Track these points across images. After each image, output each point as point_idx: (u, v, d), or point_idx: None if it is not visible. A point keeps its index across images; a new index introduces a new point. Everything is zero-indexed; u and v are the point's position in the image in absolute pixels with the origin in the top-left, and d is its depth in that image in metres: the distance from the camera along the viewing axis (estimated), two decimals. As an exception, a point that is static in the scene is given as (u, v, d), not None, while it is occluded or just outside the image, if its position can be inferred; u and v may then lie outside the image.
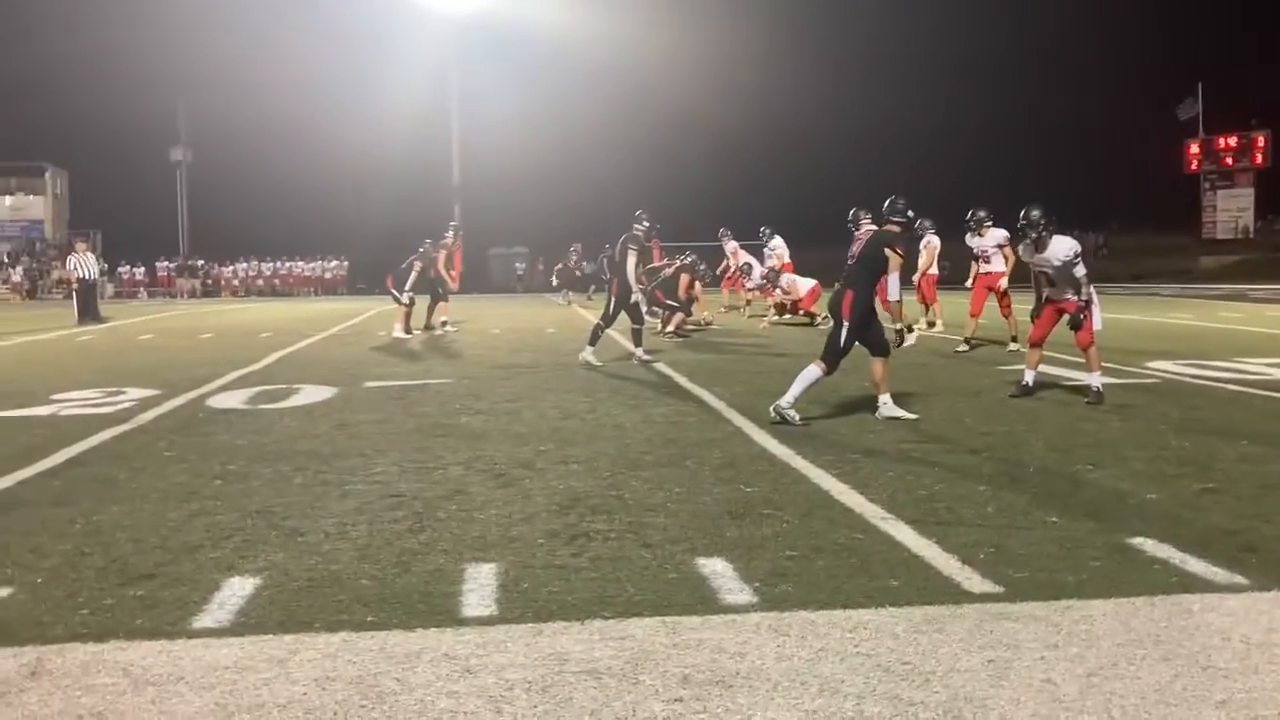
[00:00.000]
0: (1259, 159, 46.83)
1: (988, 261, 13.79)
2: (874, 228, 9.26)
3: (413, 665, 3.33)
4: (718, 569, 4.29)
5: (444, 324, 18.17)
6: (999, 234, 13.51)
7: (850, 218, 12.31)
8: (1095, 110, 55.74)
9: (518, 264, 47.08)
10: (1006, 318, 13.61)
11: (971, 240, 13.94)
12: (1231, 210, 47.96)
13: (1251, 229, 47.86)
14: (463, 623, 3.71)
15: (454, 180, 45.28)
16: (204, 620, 3.77)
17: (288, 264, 48.50)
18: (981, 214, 13.74)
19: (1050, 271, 8.92)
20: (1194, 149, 48.36)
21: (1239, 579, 4.07)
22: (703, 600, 3.92)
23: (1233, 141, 47.32)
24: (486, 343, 15.91)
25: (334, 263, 48.49)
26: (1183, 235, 49.05)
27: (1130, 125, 51.95)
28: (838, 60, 58.39)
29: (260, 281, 47.85)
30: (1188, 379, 10.11)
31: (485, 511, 5.28)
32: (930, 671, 3.22)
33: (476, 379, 11.05)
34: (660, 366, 11.86)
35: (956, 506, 5.28)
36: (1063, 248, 8.75)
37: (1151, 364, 11.35)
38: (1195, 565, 4.25)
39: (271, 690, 3.16)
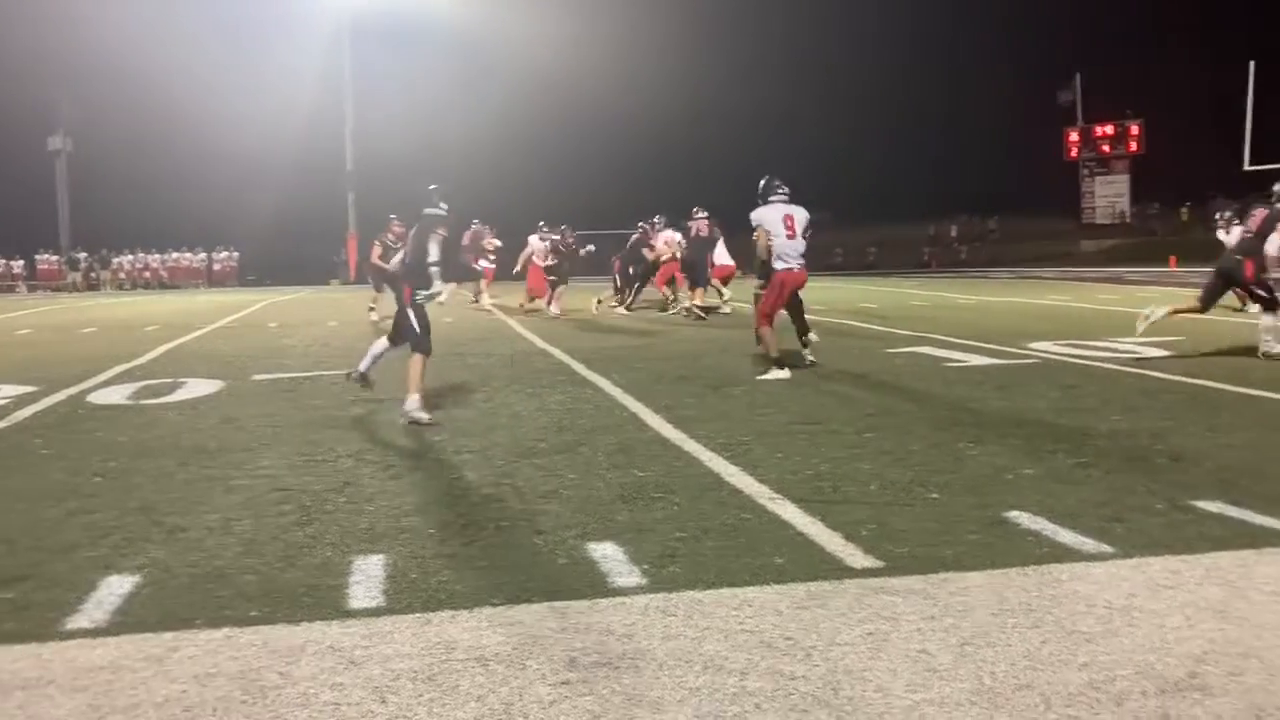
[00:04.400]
0: (1133, 146, 48.72)
1: None
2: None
3: (296, 659, 3.29)
4: (608, 553, 4.32)
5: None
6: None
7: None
8: (985, 99, 57.20)
9: None
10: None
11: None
12: (1109, 196, 49.84)
13: (1128, 214, 49.80)
14: (349, 615, 3.67)
15: (347, 167, 44.50)
16: (78, 621, 3.66)
17: (174, 255, 47.08)
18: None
19: None
20: (1073, 137, 50.08)
21: (1105, 548, 4.25)
22: (592, 584, 3.94)
23: (1109, 130, 49.12)
24: (381, 334, 15.67)
25: (223, 254, 47.26)
26: (1065, 220, 50.79)
27: (1018, 113, 53.46)
28: (738, 47, 58.87)
29: (146, 274, 46.36)
30: (1066, 358, 10.48)
31: (375, 503, 5.23)
32: (812, 646, 3.30)
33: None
34: (558, 354, 11.86)
35: (842, 485, 5.41)
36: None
37: (1033, 344, 11.74)
38: (1066, 536, 4.42)
39: (148, 689, 3.09)
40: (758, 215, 9.39)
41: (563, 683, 3.07)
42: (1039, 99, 52.09)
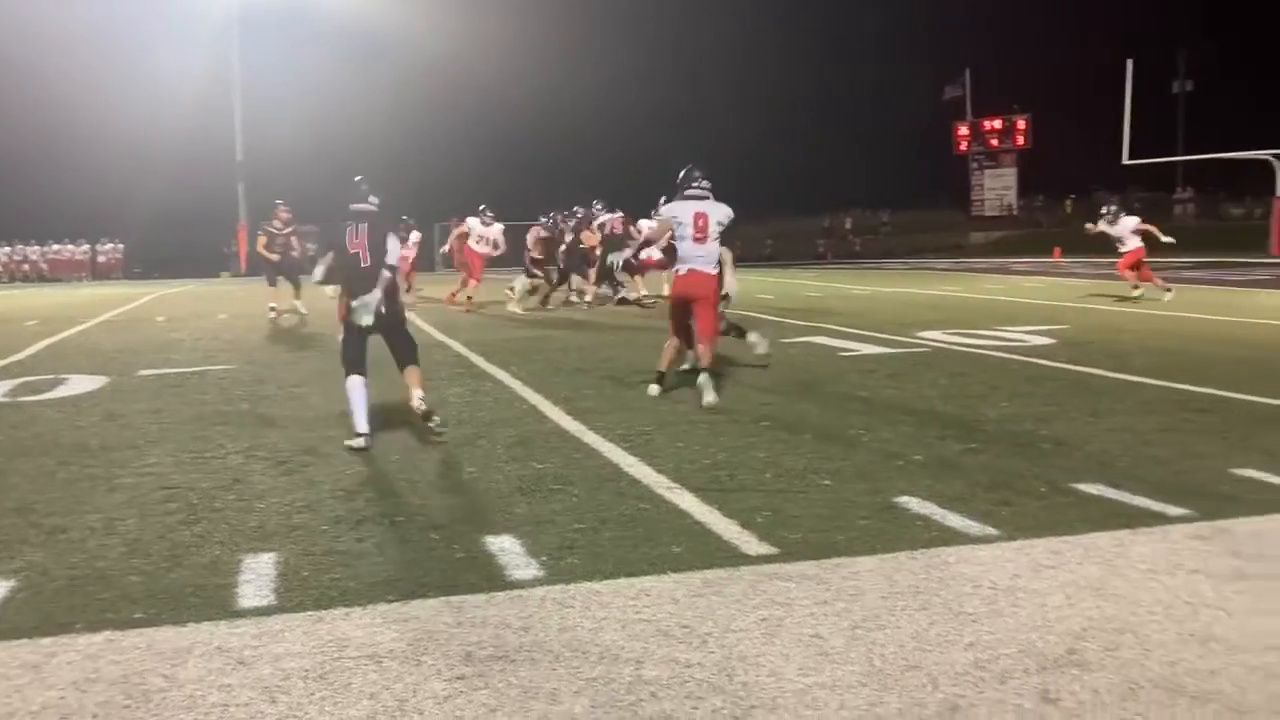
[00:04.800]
0: (1020, 141, 50.21)
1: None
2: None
3: (182, 661, 3.20)
4: (506, 546, 4.30)
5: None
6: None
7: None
8: (878, 94, 58.40)
9: (310, 245, 45.53)
10: None
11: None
12: (997, 189, 51.28)
13: (1015, 206, 51.32)
14: (238, 615, 3.59)
15: (237, 157, 43.32)
16: (-51, 629, 3.50)
17: (55, 247, 45.25)
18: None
19: None
20: (963, 130, 51.36)
21: (991, 530, 4.38)
22: (489, 578, 3.92)
23: (997, 124, 50.51)
24: (273, 327, 15.31)
25: (108, 245, 45.57)
26: (955, 212, 52.14)
27: (909, 108, 54.70)
28: (637, 42, 58.98)
29: (25, 266, 44.46)
30: (955, 347, 10.76)
31: (266, 500, 5.11)
32: (707, 633, 3.33)
33: (263, 364, 10.65)
34: (456, 346, 11.74)
35: (738, 474, 5.47)
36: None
37: (923, 334, 12.02)
38: (954, 520, 4.54)
39: (24, 697, 2.97)
40: (669, 210, 8.15)
41: (458, 677, 3.05)
42: (930, 94, 53.34)
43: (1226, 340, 10.89)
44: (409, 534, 4.52)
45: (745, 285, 21.08)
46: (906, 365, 9.54)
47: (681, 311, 8.01)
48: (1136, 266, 16.21)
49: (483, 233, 18.00)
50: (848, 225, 52.77)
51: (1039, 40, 58.41)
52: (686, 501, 4.94)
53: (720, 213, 7.89)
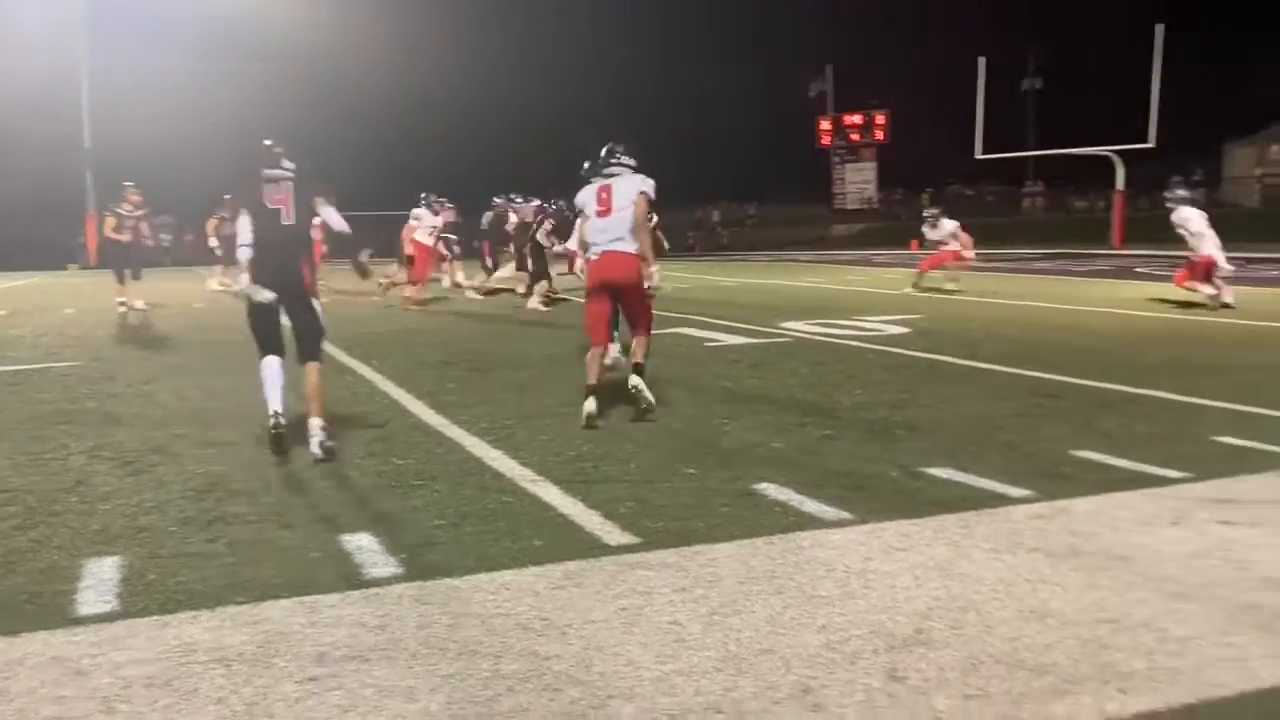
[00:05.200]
0: (880, 135, 51.63)
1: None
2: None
3: (14, 672, 3.04)
4: (363, 544, 4.21)
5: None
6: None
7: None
8: (742, 90, 59.28)
9: (164, 235, 43.72)
10: None
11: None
12: (858, 183, 52.65)
13: (875, 199, 52.77)
14: (77, 622, 3.43)
15: (85, 144, 41.34)
16: None
17: (-118, 238, 42.43)
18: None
19: None
20: (825, 125, 52.53)
21: (845, 515, 4.49)
22: (345, 577, 3.84)
23: (857, 119, 51.83)
24: (122, 322, 14.68)
25: (-59, 236, 42.96)
26: (819, 205, 53.35)
27: (774, 104, 55.71)
28: (502, 37, 58.56)
29: None
30: (816, 337, 11.00)
31: (110, 502, 4.90)
32: (567, 625, 3.33)
33: (111, 360, 10.21)
34: (316, 341, 11.45)
35: (602, 465, 5.48)
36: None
37: (786, 324, 12.25)
38: (810, 505, 4.64)
39: None
40: (578, 197, 7.15)
41: (310, 679, 2.98)
42: (796, 90, 54.45)
43: (1070, 328, 11.42)
44: (262, 534, 4.39)
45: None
46: (769, 355, 9.71)
47: (600, 303, 6.89)
48: (941, 263, 17.00)
49: (433, 222, 17.06)
50: (715, 218, 53.48)
51: (898, 38, 60.19)
52: (550, 494, 4.93)
53: (629, 184, 6.80)
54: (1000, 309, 13.93)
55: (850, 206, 52.51)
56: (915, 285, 16.96)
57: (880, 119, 51.30)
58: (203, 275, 25.98)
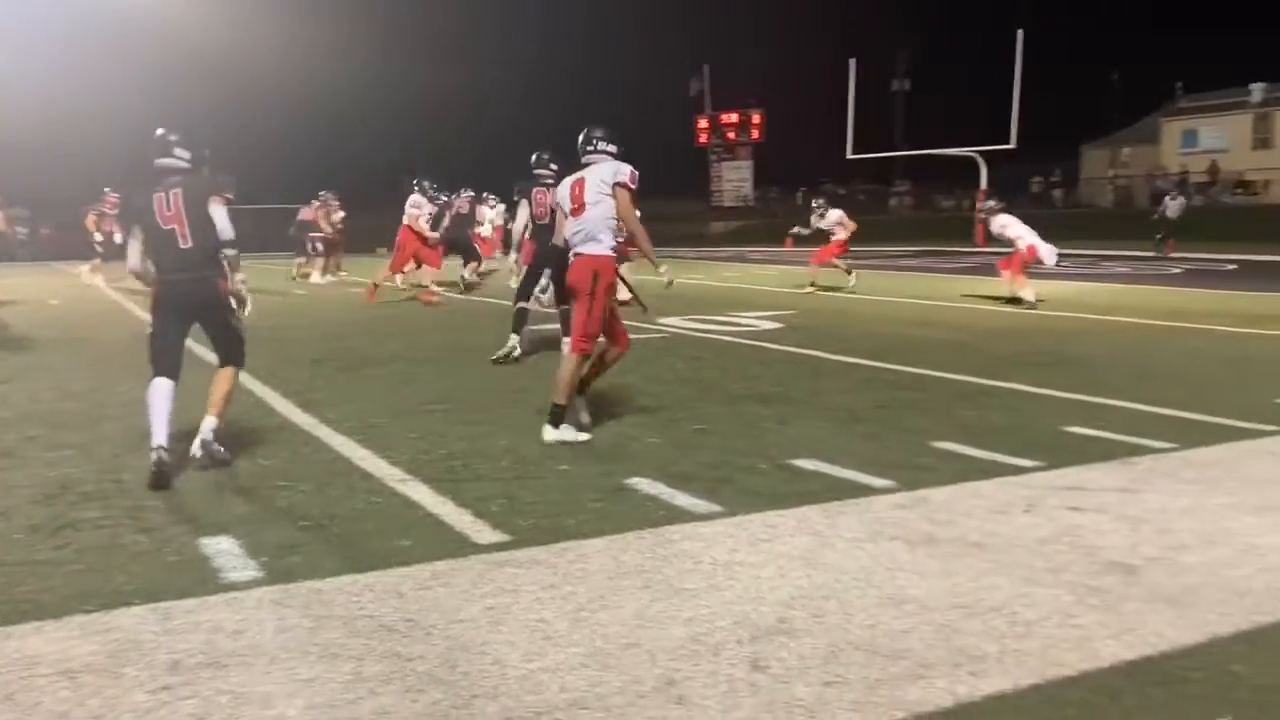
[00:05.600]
0: (756, 134, 52.38)
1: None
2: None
3: None
4: (223, 547, 4.09)
5: None
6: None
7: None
8: (623, 88, 59.55)
9: (19, 228, 41.61)
10: None
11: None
12: (735, 180, 53.33)
13: (751, 197, 53.54)
14: (-91, 637, 3.24)
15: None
16: None
17: None
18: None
19: None
20: (702, 124, 53.08)
21: (715, 507, 4.55)
22: (202, 581, 3.72)
23: (734, 118, 52.50)
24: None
25: None
26: (697, 202, 53.85)
27: (654, 101, 56.11)
28: (381, 31, 57.54)
29: None
30: (693, 333, 11.11)
31: (-51, 509, 4.65)
32: (432, 625, 3.30)
33: (-47, 360, 9.68)
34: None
35: (474, 463, 5.44)
36: None
37: (664, 320, 12.31)
38: (681, 499, 4.69)
39: None
40: (557, 193, 6.54)
41: (163, 688, 2.88)
42: (675, 88, 54.94)
43: (933, 323, 11.78)
44: (116, 539, 4.23)
45: (501, 272, 21.05)
46: (647, 351, 9.75)
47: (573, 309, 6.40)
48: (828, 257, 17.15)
49: (432, 209, 16.41)
50: (594, 214, 53.51)
51: (773, 39, 61.25)
52: (419, 493, 4.86)
53: (604, 170, 6.18)
54: (869, 305, 14.29)
55: (727, 204, 53.14)
56: (813, 284, 16.90)
57: (756, 118, 52.05)
58: (71, 271, 24.86)
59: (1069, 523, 4.28)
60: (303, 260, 21.41)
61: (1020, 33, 31.79)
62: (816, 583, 3.64)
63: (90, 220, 20.83)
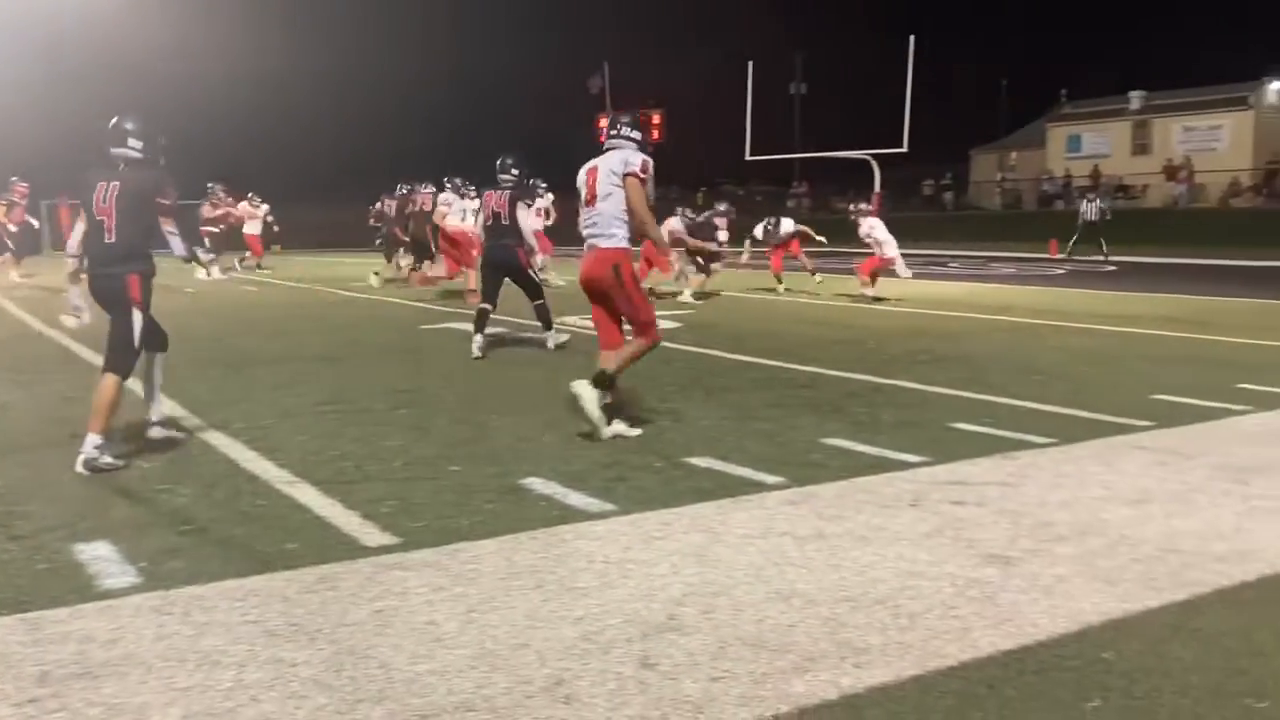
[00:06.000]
0: (656, 134, 52.53)
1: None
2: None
3: None
4: (100, 553, 3.95)
5: None
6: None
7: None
8: (528, 85, 59.34)
9: None
10: None
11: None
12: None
13: (652, 197, 53.67)
14: None
15: None
16: None
17: None
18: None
19: None
20: (602, 123, 53.06)
21: (609, 506, 4.55)
22: (76, 589, 3.58)
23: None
24: None
25: None
26: (597, 201, 53.89)
27: (557, 97, 56.03)
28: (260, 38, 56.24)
29: None
30: (589, 331, 11.04)
31: None
32: (317, 630, 3.23)
33: None
34: (59, 337, 10.66)
35: (365, 464, 5.35)
36: None
37: (564, 319, 12.26)
38: (575, 498, 4.68)
39: None
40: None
41: (30, 700, 2.76)
42: (574, 86, 54.86)
43: (826, 322, 11.99)
44: (-17, 547, 4.05)
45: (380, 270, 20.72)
46: (543, 349, 9.73)
47: (595, 307, 6.28)
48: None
49: (464, 206, 16.03)
50: (493, 211, 53.20)
51: (674, 39, 61.65)
52: (307, 495, 4.77)
53: (613, 161, 6.06)
54: (765, 304, 14.47)
55: (629, 203, 53.28)
56: (781, 287, 16.67)
57: (656, 118, 52.23)
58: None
59: (952, 516, 4.39)
60: (212, 257, 20.91)
61: (912, 38, 32.52)
62: (707, 579, 3.67)
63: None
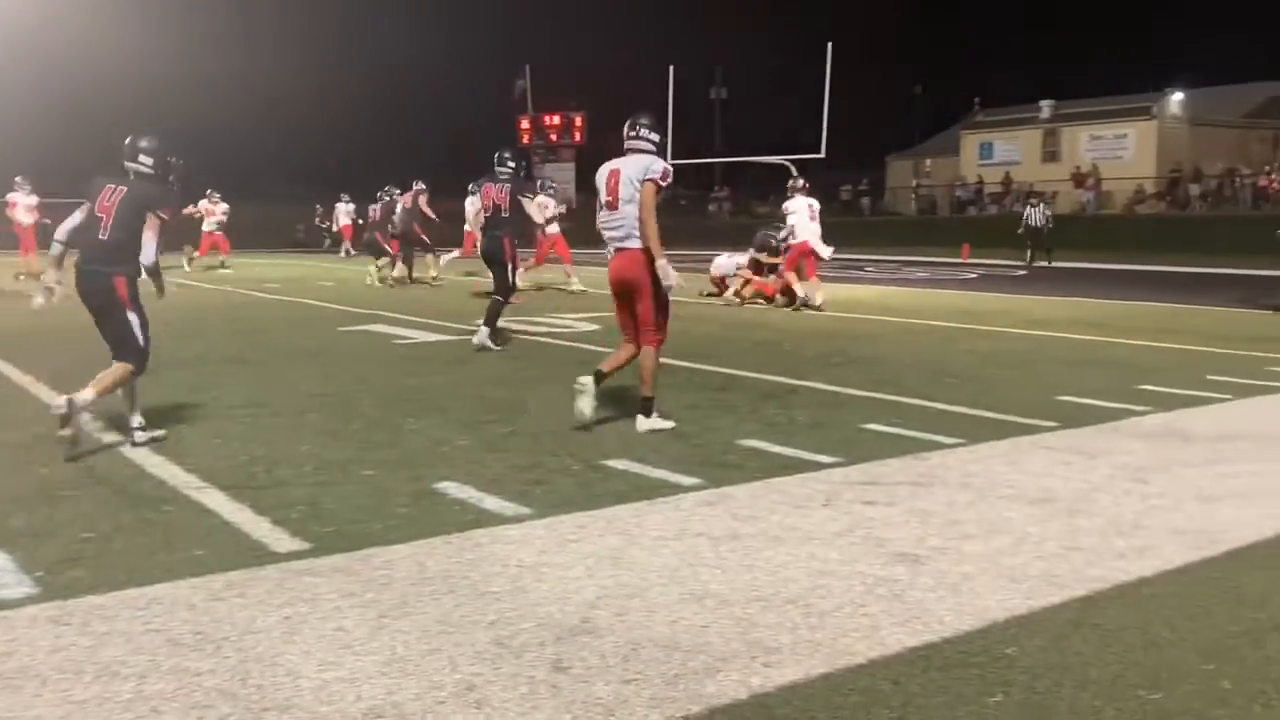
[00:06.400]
0: (578, 137, 52.54)
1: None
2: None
3: None
4: (-5, 563, 3.83)
5: None
6: None
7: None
8: (454, 85, 58.91)
9: None
10: None
11: None
12: (559, 182, 53.21)
13: (574, 200, 53.63)
14: None
15: None
16: None
17: None
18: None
19: None
20: (524, 125, 52.90)
21: (524, 510, 4.53)
22: (-32, 601, 3.47)
23: (556, 120, 52.52)
24: None
25: None
26: (520, 203, 53.64)
27: (477, 101, 55.69)
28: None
29: None
30: (512, 333, 11.04)
31: None
32: (223, 638, 3.17)
33: None
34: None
35: (276, 468, 5.25)
36: None
37: (480, 321, 12.21)
38: (490, 502, 4.65)
39: None
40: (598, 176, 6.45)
41: (-83, 717, 2.67)
42: (497, 88, 54.67)
43: (746, 324, 12.10)
44: None
45: (311, 270, 20.32)
46: (463, 352, 9.67)
47: (619, 307, 6.47)
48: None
49: (544, 202, 16.07)
50: (420, 214, 52.73)
51: (595, 42, 61.74)
52: (215, 501, 4.67)
53: (635, 167, 6.15)
54: (687, 307, 14.52)
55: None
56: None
57: (579, 120, 52.21)
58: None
59: (863, 516, 4.46)
60: None
61: (830, 45, 33.00)
62: (622, 581, 3.68)
63: None
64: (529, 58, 53.84)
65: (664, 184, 6.12)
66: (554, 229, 17.24)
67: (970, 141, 48.64)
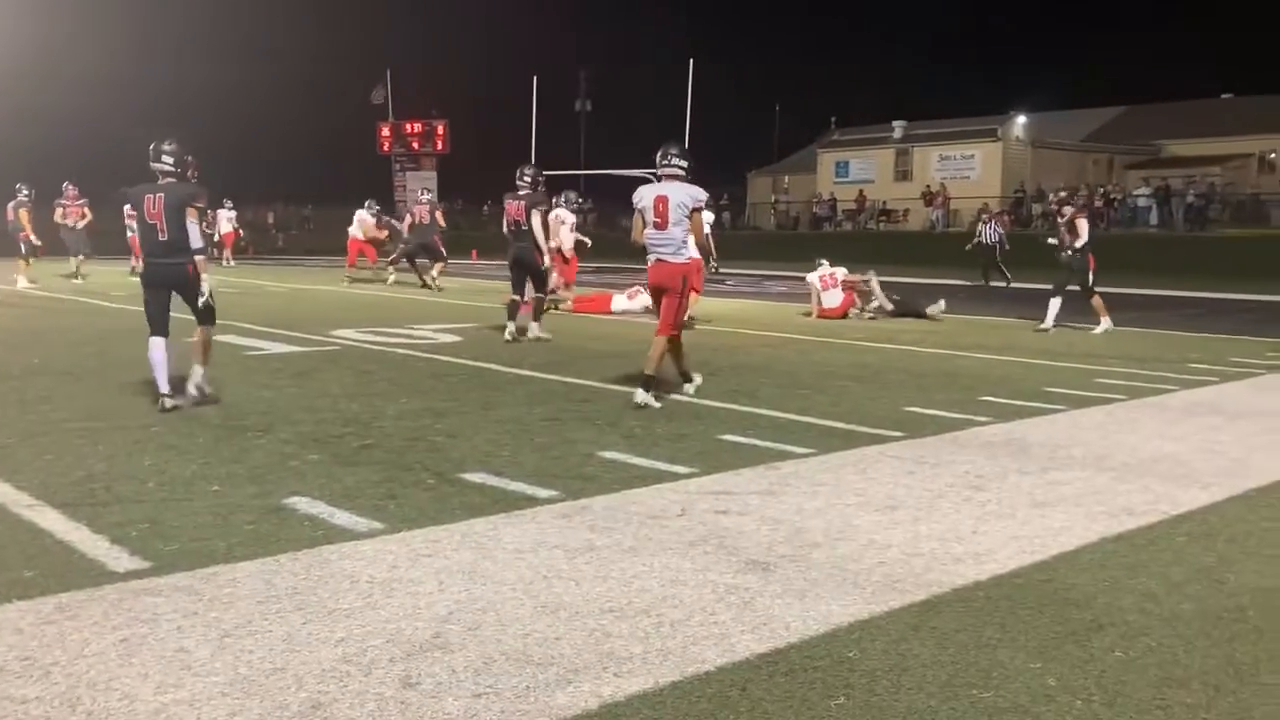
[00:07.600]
0: (440, 145, 52.00)
1: None
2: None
3: None
4: None
5: None
6: None
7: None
8: (304, 93, 57.42)
9: None
10: None
11: None
12: (419, 191, 52.54)
13: (441, 210, 53.01)
14: None
15: None
16: None
17: None
18: None
19: None
20: (385, 132, 52.07)
21: (377, 525, 4.47)
22: None
23: (418, 128, 51.87)
24: None
25: None
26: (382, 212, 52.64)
27: (336, 108, 54.48)
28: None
29: None
30: (366, 345, 10.86)
31: None
32: (53, 663, 3.03)
33: None
34: None
35: (116, 485, 5.05)
36: None
37: (336, 332, 11.98)
38: (342, 518, 4.57)
39: None
40: (636, 195, 7.64)
41: None
42: (357, 94, 53.59)
43: (606, 337, 12.16)
44: None
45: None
46: (314, 364, 9.45)
47: (655, 299, 7.90)
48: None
49: (573, 220, 15.93)
50: (270, 220, 51.18)
51: (459, 50, 61.22)
52: (49, 519, 4.46)
53: (683, 194, 7.43)
54: (548, 320, 14.50)
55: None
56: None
57: (440, 129, 51.66)
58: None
59: (716, 525, 4.54)
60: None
61: (691, 62, 33.53)
62: (475, 595, 3.66)
63: None
64: (390, 63, 53.04)
65: (702, 209, 7.59)
66: (569, 246, 15.92)
67: (826, 159, 50.02)
